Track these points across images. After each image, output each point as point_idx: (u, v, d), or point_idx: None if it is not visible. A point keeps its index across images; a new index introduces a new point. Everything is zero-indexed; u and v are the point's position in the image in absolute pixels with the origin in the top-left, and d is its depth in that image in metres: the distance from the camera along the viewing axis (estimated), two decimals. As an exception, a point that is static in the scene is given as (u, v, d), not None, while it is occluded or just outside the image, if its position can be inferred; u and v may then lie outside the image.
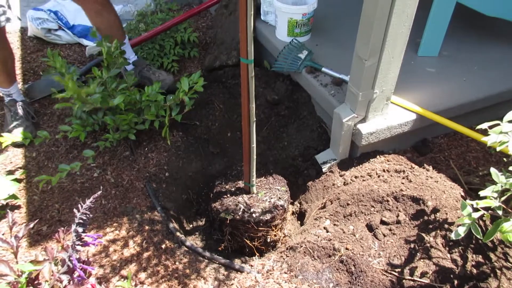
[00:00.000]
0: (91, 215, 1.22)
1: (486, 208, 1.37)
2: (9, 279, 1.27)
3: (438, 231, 1.64)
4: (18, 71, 2.84)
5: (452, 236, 1.38)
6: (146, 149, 2.26)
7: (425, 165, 2.00)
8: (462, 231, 1.35)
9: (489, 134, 1.43)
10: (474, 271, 1.56)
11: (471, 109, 2.18)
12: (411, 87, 2.18)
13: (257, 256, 1.95)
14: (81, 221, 1.18)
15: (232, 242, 2.00)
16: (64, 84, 1.98)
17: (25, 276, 1.27)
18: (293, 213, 2.22)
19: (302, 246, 1.76)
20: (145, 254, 1.80)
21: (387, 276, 1.59)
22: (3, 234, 1.79)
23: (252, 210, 1.90)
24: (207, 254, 1.85)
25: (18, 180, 2.06)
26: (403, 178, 1.90)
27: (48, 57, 2.12)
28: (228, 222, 1.91)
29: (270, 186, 2.02)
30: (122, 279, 1.67)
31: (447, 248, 1.61)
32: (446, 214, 1.68)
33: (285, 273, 1.70)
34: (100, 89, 2.08)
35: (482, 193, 1.37)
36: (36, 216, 1.92)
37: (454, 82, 2.25)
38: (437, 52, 2.44)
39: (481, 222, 1.65)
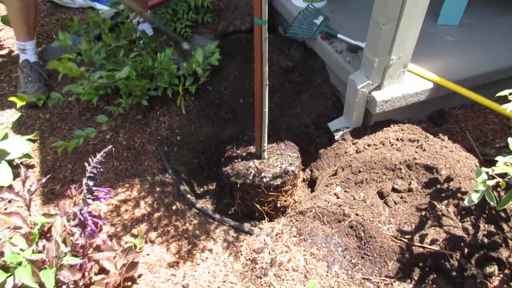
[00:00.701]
0: (101, 169, 1.22)
1: (502, 175, 1.34)
2: (22, 231, 1.30)
3: (451, 200, 1.62)
4: (32, 34, 2.84)
5: (465, 202, 1.36)
6: (158, 112, 2.26)
7: (440, 135, 1.96)
8: (475, 198, 1.33)
9: (509, 101, 1.38)
10: (486, 240, 1.54)
11: (490, 80, 2.11)
12: (429, 55, 2.12)
13: (267, 220, 1.96)
14: (91, 175, 1.19)
15: (242, 206, 2.01)
16: (70, 72, 1.93)
17: (38, 228, 1.30)
18: (304, 180, 2.21)
19: (312, 211, 1.76)
20: (156, 215, 1.82)
21: (396, 242, 1.58)
22: (17, 192, 1.83)
23: (262, 175, 1.90)
24: (217, 216, 1.86)
25: (32, 140, 2.08)
26: (417, 147, 1.87)
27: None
28: (238, 186, 1.91)
29: (281, 152, 2.01)
30: (133, 237, 1.70)
31: (459, 217, 1.60)
32: (460, 183, 1.66)
33: (294, 236, 1.70)
34: (110, 65, 2.08)
35: (498, 159, 1.33)
36: (50, 175, 1.94)
37: (474, 52, 2.18)
38: (457, 20, 2.36)
39: (495, 192, 1.62)
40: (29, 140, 2.05)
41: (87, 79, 2.01)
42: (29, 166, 2.00)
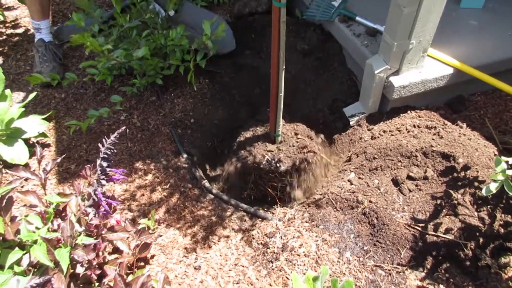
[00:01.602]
0: (115, 150, 1.22)
1: (522, 165, 1.30)
2: (38, 210, 1.31)
3: (467, 189, 1.59)
4: (47, 13, 2.84)
5: (483, 192, 1.33)
6: (173, 94, 2.25)
7: (458, 122, 1.92)
8: (493, 187, 1.30)
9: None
10: (502, 230, 1.51)
11: (513, 66, 2.05)
12: (450, 39, 2.06)
13: (279, 205, 1.95)
14: (105, 156, 1.19)
15: (255, 190, 2.00)
16: (87, 46, 1.94)
17: (53, 207, 1.31)
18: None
19: (325, 197, 1.75)
20: (169, 198, 1.83)
21: (409, 231, 1.57)
22: (33, 170, 1.85)
23: (276, 160, 1.89)
24: (232, 201, 1.86)
25: (48, 120, 2.09)
26: (434, 134, 1.84)
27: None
28: (252, 171, 1.90)
29: (295, 137, 1.99)
30: (147, 219, 1.71)
31: (475, 206, 1.57)
32: (477, 172, 1.62)
33: (306, 222, 1.70)
34: (125, 42, 2.06)
35: (519, 148, 1.30)
36: (65, 155, 1.96)
37: (497, 36, 2.11)
38: (481, 3, 2.28)
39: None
40: (45, 119, 2.06)
41: (106, 56, 2.01)
42: (44, 145, 2.02)
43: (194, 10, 2.53)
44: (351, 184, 1.77)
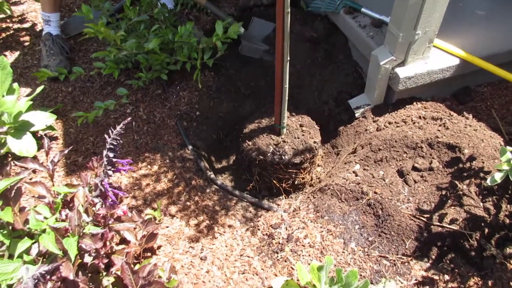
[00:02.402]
0: (121, 141, 1.24)
1: (528, 155, 1.30)
2: (46, 200, 1.33)
3: (473, 179, 1.59)
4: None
5: (488, 182, 1.33)
6: (178, 87, 2.26)
7: (464, 113, 1.91)
8: (499, 177, 1.30)
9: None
10: (507, 220, 1.51)
11: (521, 56, 2.03)
12: (457, 30, 2.04)
13: (284, 196, 1.96)
14: (111, 146, 1.21)
15: (260, 182, 2.01)
16: (98, 32, 1.97)
17: (61, 198, 1.33)
18: (322, 157, 2.20)
19: (330, 189, 1.76)
20: (176, 189, 1.85)
21: (414, 221, 1.57)
22: (41, 162, 1.88)
23: (281, 152, 1.89)
24: (237, 192, 1.87)
25: (55, 113, 2.11)
26: (440, 125, 1.83)
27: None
28: (257, 162, 1.91)
29: (300, 129, 2.00)
30: (153, 210, 1.73)
31: (481, 197, 1.57)
32: (483, 162, 1.62)
33: (311, 213, 1.71)
34: (133, 35, 2.07)
35: (525, 138, 1.29)
36: (72, 147, 1.99)
37: (505, 26, 2.09)
38: (489, -7, 2.26)
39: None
40: (52, 112, 2.09)
41: (118, 46, 2.02)
42: (52, 138, 2.05)
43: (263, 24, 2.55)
44: (356, 175, 1.77)
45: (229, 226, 1.72)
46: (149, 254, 1.57)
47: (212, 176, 1.94)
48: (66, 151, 1.51)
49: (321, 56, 2.37)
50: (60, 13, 2.44)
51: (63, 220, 1.28)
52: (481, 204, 1.55)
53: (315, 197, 1.78)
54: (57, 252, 1.15)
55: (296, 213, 1.73)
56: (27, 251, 1.20)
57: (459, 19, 2.12)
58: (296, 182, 1.98)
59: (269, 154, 1.89)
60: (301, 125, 2.01)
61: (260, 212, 1.80)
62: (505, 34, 2.05)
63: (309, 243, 1.59)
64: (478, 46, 1.97)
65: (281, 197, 1.94)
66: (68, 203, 1.36)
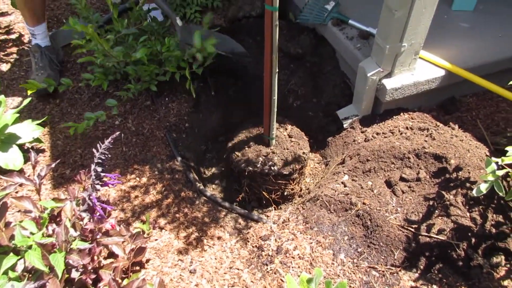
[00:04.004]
0: (110, 155, 1.23)
1: (512, 166, 1.32)
2: (32, 215, 1.32)
3: (459, 190, 1.61)
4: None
5: (474, 193, 1.35)
6: (167, 99, 2.26)
7: (450, 123, 1.94)
8: (484, 188, 1.31)
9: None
10: (493, 230, 1.53)
11: (505, 67, 2.07)
12: (442, 42, 2.08)
13: (274, 207, 1.97)
14: (99, 160, 1.20)
15: (250, 193, 2.02)
16: (87, 34, 1.97)
17: (48, 212, 1.32)
18: (311, 168, 2.21)
19: (319, 200, 1.76)
20: (165, 201, 1.84)
21: (403, 232, 1.58)
22: (27, 176, 1.86)
23: (270, 163, 1.90)
24: (226, 204, 1.87)
25: (42, 125, 2.10)
26: (427, 136, 1.85)
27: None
28: (246, 174, 1.91)
29: (289, 140, 2.01)
30: (142, 223, 1.72)
31: (467, 207, 1.59)
32: (469, 173, 1.64)
33: (300, 224, 1.71)
34: (122, 46, 2.07)
35: (509, 149, 1.32)
36: (60, 160, 1.97)
37: (488, 39, 2.13)
38: (472, 6, 2.31)
39: (504, 183, 1.60)
40: (40, 124, 2.07)
41: (105, 51, 2.01)
42: (39, 151, 2.03)
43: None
44: (345, 186, 1.78)
45: (219, 238, 1.71)
46: (137, 268, 1.56)
47: (202, 187, 1.93)
48: (53, 165, 1.50)
49: (310, 67, 2.39)
50: (45, 23, 2.39)
51: (49, 235, 1.27)
52: (468, 214, 1.57)
53: (304, 208, 1.78)
54: (43, 268, 1.13)
55: (286, 225, 1.73)
56: (13, 267, 1.18)
57: (444, 32, 2.16)
58: (285, 193, 1.99)
59: (258, 165, 1.90)
60: (290, 136, 2.03)
61: (249, 223, 1.80)
62: (488, 45, 2.09)
63: (298, 254, 1.59)
64: (462, 58, 2.00)
65: (270, 208, 1.94)
66: (55, 218, 1.35)
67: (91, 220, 1.33)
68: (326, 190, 1.79)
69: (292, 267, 1.55)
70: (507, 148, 1.34)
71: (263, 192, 1.96)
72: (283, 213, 1.81)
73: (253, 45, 2.53)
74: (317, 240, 1.63)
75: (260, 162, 1.90)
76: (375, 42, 1.88)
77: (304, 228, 1.69)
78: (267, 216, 1.82)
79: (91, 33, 1.95)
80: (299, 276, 1.51)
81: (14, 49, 2.59)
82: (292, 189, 2.00)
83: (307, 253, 1.59)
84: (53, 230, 1.27)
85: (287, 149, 1.95)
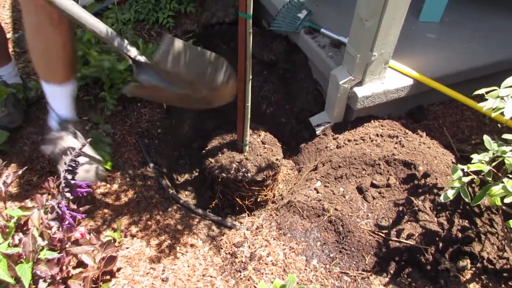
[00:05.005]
0: (80, 163, 1.20)
1: (477, 173, 1.37)
2: (-2, 224, 1.27)
3: (427, 195, 1.66)
4: (8, 20, 2.76)
5: (441, 199, 1.40)
6: (139, 104, 2.23)
7: (418, 131, 1.99)
8: (451, 194, 1.36)
9: (486, 100, 1.41)
10: (460, 235, 1.58)
11: (469, 77, 2.16)
12: (410, 52, 2.15)
13: (247, 214, 1.97)
14: (70, 168, 1.17)
15: (223, 200, 2.01)
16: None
17: (14, 221, 1.28)
18: (284, 174, 2.22)
19: (292, 206, 1.78)
20: (136, 209, 1.81)
21: (374, 237, 1.61)
22: (-8, 183, 1.78)
23: (244, 169, 1.90)
24: (199, 211, 1.86)
25: (8, 130, 2.02)
26: (396, 143, 1.90)
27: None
28: (220, 180, 1.91)
29: (263, 147, 2.02)
30: (113, 231, 1.69)
31: (435, 212, 1.63)
32: (436, 179, 1.70)
33: (273, 230, 1.72)
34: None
35: (474, 156, 1.37)
36: (27, 167, 1.90)
37: (454, 49, 2.21)
38: (439, 18, 2.40)
39: (470, 189, 1.67)
40: (4, 129, 1.99)
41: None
42: (4, 156, 1.96)
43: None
44: (318, 192, 1.81)
45: (192, 245, 1.70)
46: (108, 277, 1.52)
47: (174, 194, 1.91)
48: (20, 172, 1.45)
49: (283, 74, 2.42)
50: (11, 63, 2.08)
51: (16, 245, 1.22)
52: (436, 219, 1.62)
53: (277, 215, 1.79)
54: (9, 280, 1.09)
55: (259, 231, 1.74)
56: (-24, 279, 1.13)
57: (412, 42, 2.23)
58: (258, 200, 2.00)
59: (232, 172, 1.90)
60: (263, 142, 2.04)
61: (223, 230, 1.79)
62: (453, 56, 2.17)
63: (271, 261, 1.60)
64: (429, 67, 2.07)
65: (244, 215, 1.94)
66: (22, 227, 1.30)
67: (60, 228, 1.29)
68: (299, 196, 1.81)
69: (266, 274, 1.56)
70: (472, 156, 1.39)
71: (237, 199, 1.96)
72: (257, 219, 1.81)
73: (227, 51, 2.53)
74: (290, 246, 1.64)
75: (233, 168, 1.90)
76: (346, 51, 1.92)
77: (277, 234, 1.70)
78: (241, 223, 1.82)
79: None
80: (272, 282, 1.51)
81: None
82: (266, 196, 2.01)
83: (280, 259, 1.60)
84: (20, 240, 1.23)
85: (261, 155, 1.96)
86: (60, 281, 1.25)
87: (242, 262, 1.60)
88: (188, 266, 1.61)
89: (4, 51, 2.04)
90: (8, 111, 1.98)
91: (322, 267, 1.57)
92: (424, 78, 2.01)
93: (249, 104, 1.75)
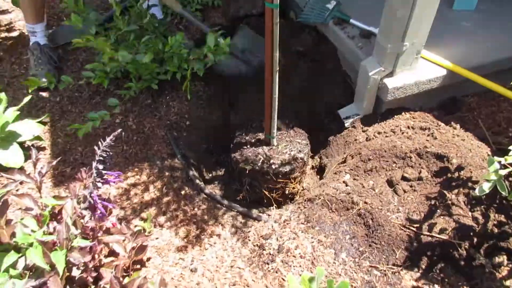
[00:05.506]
0: (111, 153, 1.23)
1: (515, 165, 1.32)
2: (33, 213, 1.31)
3: (461, 189, 1.61)
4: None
5: (476, 192, 1.35)
6: (168, 97, 2.25)
7: (452, 123, 1.93)
8: (487, 187, 1.31)
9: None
10: (495, 230, 1.52)
11: (506, 67, 2.07)
12: (443, 41, 2.08)
13: (275, 207, 1.96)
14: (101, 158, 1.19)
15: (251, 192, 2.01)
16: (98, 46, 1.98)
17: (49, 210, 1.31)
18: (313, 167, 2.20)
19: (320, 199, 1.76)
20: (165, 199, 1.83)
21: (404, 231, 1.58)
22: (28, 173, 1.85)
23: (271, 161, 1.89)
24: (226, 202, 1.87)
25: (43, 123, 2.09)
26: (428, 135, 1.85)
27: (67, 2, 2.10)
28: (247, 172, 1.91)
29: (290, 139, 2.00)
30: (142, 221, 1.72)
31: (469, 206, 1.58)
32: (471, 172, 1.64)
33: (302, 223, 1.70)
34: (123, 45, 2.07)
35: (511, 148, 1.31)
36: (60, 158, 1.96)
37: (490, 38, 2.13)
38: (474, 5, 2.31)
39: (507, 182, 1.60)
40: (40, 122, 2.06)
41: (109, 53, 2.01)
42: (40, 148, 2.02)
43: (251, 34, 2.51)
44: (346, 185, 1.78)
45: (220, 236, 1.71)
46: (138, 266, 1.55)
47: (202, 186, 1.93)
48: (54, 162, 1.49)
49: (311, 66, 2.39)
50: (44, 23, 2.42)
51: (50, 233, 1.26)
52: (470, 213, 1.57)
53: (305, 207, 1.78)
54: (44, 266, 1.12)
55: (287, 224, 1.73)
56: (14, 265, 1.17)
57: (445, 31, 2.15)
58: (286, 192, 1.98)
59: (259, 164, 1.89)
60: (290, 135, 2.02)
61: (250, 222, 1.79)
62: (489, 45, 2.09)
63: (300, 253, 1.59)
64: (463, 57, 2.00)
65: (271, 208, 1.93)
66: (56, 216, 1.34)
67: (92, 218, 1.32)
68: (327, 189, 1.78)
69: (294, 266, 1.55)
70: (510, 147, 1.33)
71: (264, 191, 1.96)
72: (285, 212, 1.81)
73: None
74: (318, 239, 1.62)
75: (261, 160, 1.90)
76: (376, 42, 1.87)
77: (305, 227, 1.69)
78: (269, 215, 1.82)
79: (92, 39, 1.95)
80: (300, 275, 1.51)
81: (15, 47, 2.58)
82: (293, 188, 1.99)
83: (309, 252, 1.59)
84: (54, 228, 1.26)
85: (288, 148, 1.94)
86: (93, 269, 1.28)
87: (270, 254, 1.60)
88: (217, 257, 1.62)
89: (42, 9, 2.38)
90: (48, 68, 2.33)
91: (351, 260, 1.55)
92: (459, 68, 1.94)
93: (277, 96, 1.73)
